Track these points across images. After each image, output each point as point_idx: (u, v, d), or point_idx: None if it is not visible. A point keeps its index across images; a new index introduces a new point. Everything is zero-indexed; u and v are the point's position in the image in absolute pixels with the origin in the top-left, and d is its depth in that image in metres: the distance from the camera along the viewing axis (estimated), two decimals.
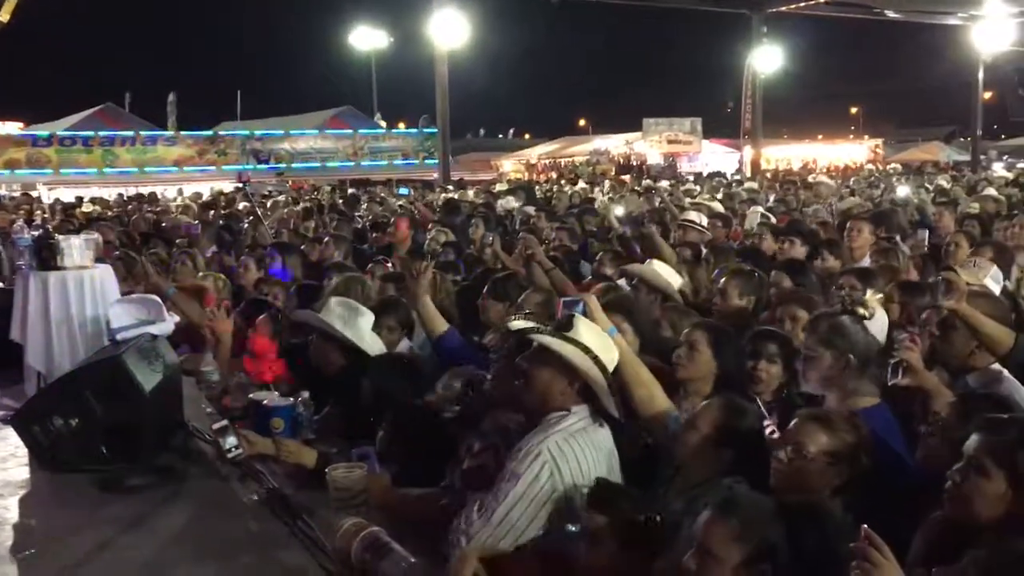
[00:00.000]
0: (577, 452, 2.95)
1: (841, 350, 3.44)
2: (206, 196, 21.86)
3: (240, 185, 21.79)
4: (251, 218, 11.60)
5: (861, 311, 3.62)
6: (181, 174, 32.51)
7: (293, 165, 34.89)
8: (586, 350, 3.03)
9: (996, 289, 4.58)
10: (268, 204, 15.83)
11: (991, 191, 13.11)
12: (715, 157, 40.86)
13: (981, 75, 32.14)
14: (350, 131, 38.04)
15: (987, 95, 36.09)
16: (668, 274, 5.48)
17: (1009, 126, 48.24)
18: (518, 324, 3.26)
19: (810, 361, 3.50)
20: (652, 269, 5.51)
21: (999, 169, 24.43)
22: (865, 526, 1.97)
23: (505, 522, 2.83)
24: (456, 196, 16.73)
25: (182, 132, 35.49)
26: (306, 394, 4.10)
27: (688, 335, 3.78)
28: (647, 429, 3.38)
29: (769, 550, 2.30)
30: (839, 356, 3.44)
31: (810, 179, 14.46)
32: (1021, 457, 2.33)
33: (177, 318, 4.80)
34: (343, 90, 53.40)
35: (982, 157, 33.70)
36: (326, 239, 8.51)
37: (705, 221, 8.73)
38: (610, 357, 3.13)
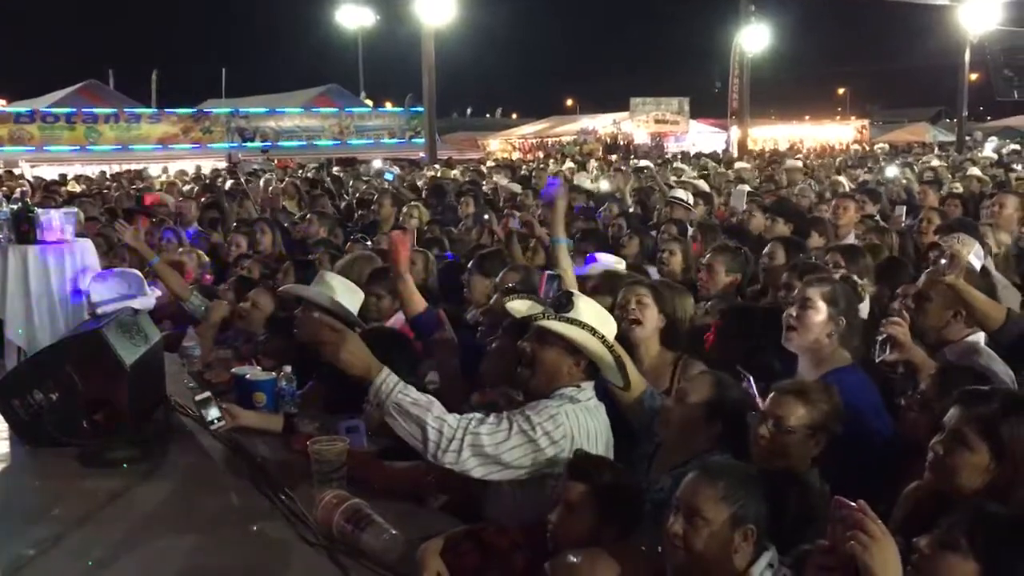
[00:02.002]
0: (590, 426, 3.02)
1: (839, 310, 3.49)
2: (191, 173, 21.80)
3: (234, 163, 21.78)
4: (237, 195, 11.55)
5: (859, 287, 3.65)
6: (165, 152, 32.28)
7: (279, 143, 34.70)
8: (591, 330, 3.05)
9: (978, 265, 4.59)
10: (262, 182, 15.75)
11: (975, 171, 13.20)
12: (702, 137, 40.74)
13: (968, 56, 32.16)
14: (336, 109, 37.83)
15: (973, 76, 36.11)
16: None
17: (995, 107, 48.36)
18: (516, 306, 3.24)
19: (805, 312, 3.50)
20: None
21: (988, 150, 24.53)
22: (859, 500, 1.96)
23: (501, 458, 2.88)
24: (439, 175, 16.72)
25: (166, 110, 35.20)
26: (288, 368, 4.08)
27: (637, 293, 3.87)
28: (623, 408, 3.38)
29: (754, 512, 2.32)
30: (834, 316, 3.48)
31: (787, 164, 14.53)
32: (1004, 429, 2.34)
33: (159, 292, 4.78)
34: (329, 68, 53.06)
35: (968, 138, 33.78)
36: (309, 216, 8.48)
37: (691, 199, 8.77)
38: (610, 330, 3.16)
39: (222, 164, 26.24)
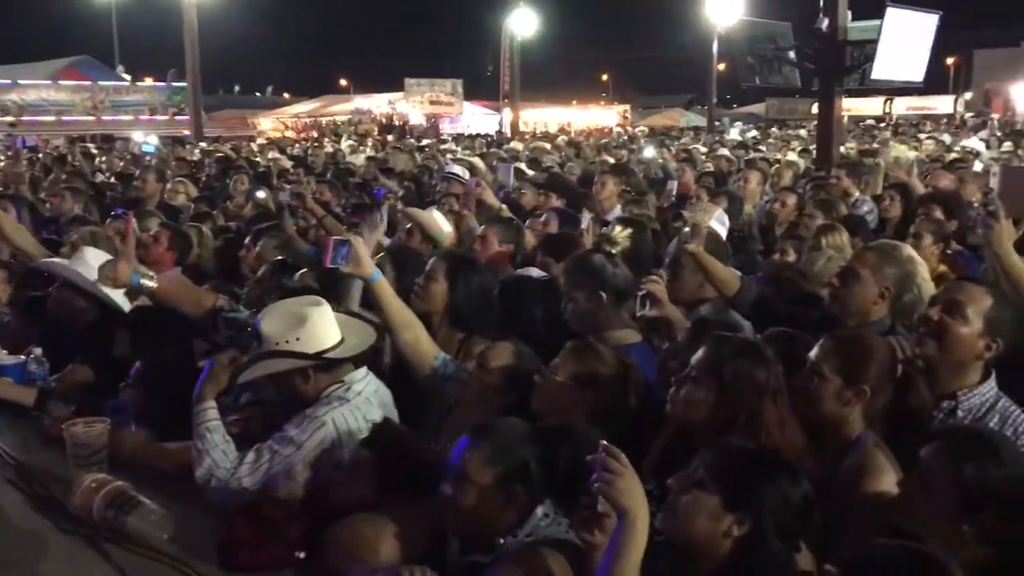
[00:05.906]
0: (361, 420, 2.92)
1: (591, 288, 3.59)
2: None
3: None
4: None
5: (608, 247, 3.79)
6: None
7: (23, 118, 31.85)
8: (285, 353, 2.91)
9: (723, 231, 4.96)
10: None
11: (724, 151, 14.50)
12: (476, 119, 41.48)
13: (716, 46, 34.53)
14: (89, 83, 35.18)
15: (721, 66, 38.87)
16: (443, 223, 5.56)
17: (741, 94, 52.47)
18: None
19: (569, 305, 3.63)
20: (430, 216, 5.59)
21: (734, 133, 26.78)
22: (604, 442, 2.08)
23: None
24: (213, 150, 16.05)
25: None
26: (38, 350, 3.77)
27: (429, 266, 3.81)
28: (414, 371, 3.39)
29: (521, 470, 2.38)
30: (591, 294, 3.58)
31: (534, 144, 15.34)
32: (726, 369, 2.59)
33: None
34: (78, 39, 49.16)
35: (716, 123, 36.46)
36: (61, 191, 7.90)
37: (467, 175, 8.90)
38: (307, 333, 2.96)
39: None
